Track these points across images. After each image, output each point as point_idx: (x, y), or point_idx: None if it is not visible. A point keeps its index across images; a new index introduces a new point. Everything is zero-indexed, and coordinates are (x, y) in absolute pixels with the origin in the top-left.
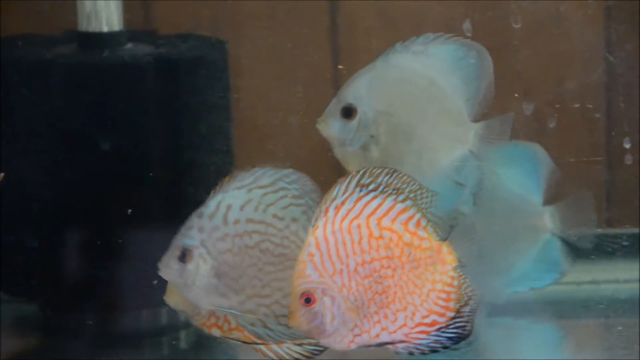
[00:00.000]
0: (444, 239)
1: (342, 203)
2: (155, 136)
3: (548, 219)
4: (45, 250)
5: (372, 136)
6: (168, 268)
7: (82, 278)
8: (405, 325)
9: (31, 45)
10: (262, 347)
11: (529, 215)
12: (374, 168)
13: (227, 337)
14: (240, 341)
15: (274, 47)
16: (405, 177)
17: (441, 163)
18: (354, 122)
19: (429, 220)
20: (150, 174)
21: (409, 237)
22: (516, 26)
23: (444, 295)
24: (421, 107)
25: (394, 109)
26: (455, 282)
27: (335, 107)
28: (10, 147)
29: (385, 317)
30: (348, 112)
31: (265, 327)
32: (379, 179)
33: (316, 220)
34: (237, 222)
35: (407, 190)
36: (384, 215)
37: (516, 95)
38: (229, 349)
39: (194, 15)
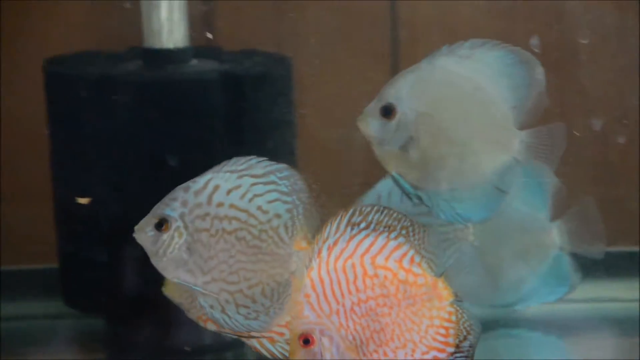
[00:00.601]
0: (439, 275)
1: (335, 243)
2: (221, 152)
3: (556, 235)
4: (113, 264)
5: (411, 137)
6: (143, 233)
7: (149, 292)
8: None
9: (97, 62)
10: (255, 343)
11: (537, 232)
12: (364, 206)
13: (222, 331)
14: (234, 335)
15: (337, 62)
16: (396, 214)
17: (484, 168)
18: (393, 122)
19: (423, 257)
20: None
21: (404, 274)
22: (583, 41)
23: (442, 331)
24: (464, 110)
25: (435, 111)
26: (454, 317)
27: (375, 105)
28: (77, 163)
29: (385, 354)
30: (387, 112)
31: (224, 312)
32: (370, 217)
33: (310, 261)
34: (220, 204)
35: (399, 227)
36: (378, 253)
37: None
38: None
39: (256, 31)
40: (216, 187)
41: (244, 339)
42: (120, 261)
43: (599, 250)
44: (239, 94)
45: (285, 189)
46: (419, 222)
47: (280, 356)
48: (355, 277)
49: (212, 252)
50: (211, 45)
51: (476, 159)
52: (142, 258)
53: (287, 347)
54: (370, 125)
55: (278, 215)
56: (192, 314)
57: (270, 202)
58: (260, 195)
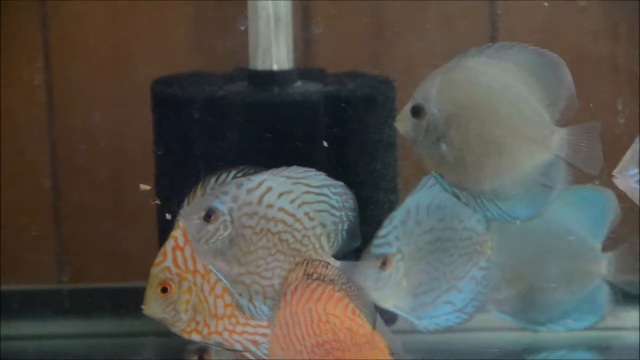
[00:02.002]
0: (373, 328)
1: (295, 289)
2: (324, 173)
3: (604, 266)
4: None
5: (442, 137)
6: (189, 220)
7: None
8: None
9: (203, 83)
10: (238, 346)
11: (587, 260)
12: (314, 260)
13: (206, 342)
14: (219, 346)
15: None
16: (336, 270)
17: (523, 166)
18: (424, 122)
19: (361, 310)
20: None
21: (349, 323)
22: None
23: None
24: (494, 110)
25: (463, 110)
26: None
27: (407, 107)
28: (184, 183)
29: None
30: (417, 112)
31: (251, 301)
32: (319, 270)
33: (279, 302)
34: (270, 206)
35: (340, 282)
36: (327, 301)
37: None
38: None
39: (355, 54)
40: (269, 189)
41: (228, 349)
42: None
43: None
44: (343, 116)
45: (335, 204)
46: (354, 280)
47: (263, 357)
48: (312, 322)
49: (253, 248)
50: (315, 68)
51: (513, 157)
52: None
53: None
54: (404, 126)
55: (323, 225)
56: (176, 328)
57: (318, 211)
58: (310, 203)
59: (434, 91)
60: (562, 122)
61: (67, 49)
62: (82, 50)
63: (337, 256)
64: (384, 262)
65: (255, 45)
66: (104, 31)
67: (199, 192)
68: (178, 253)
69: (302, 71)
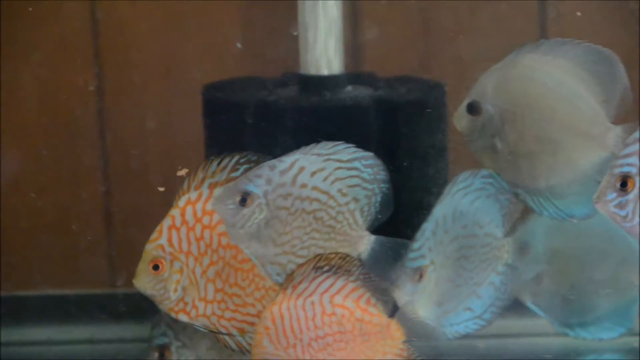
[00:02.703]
0: (391, 316)
1: (300, 282)
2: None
3: None
4: None
5: (497, 134)
6: (224, 205)
7: None
8: None
9: (254, 88)
10: (225, 337)
11: (632, 269)
12: (329, 254)
13: (193, 324)
14: (205, 329)
15: None
16: (355, 261)
17: (579, 163)
18: (479, 119)
19: (378, 299)
20: None
21: (360, 313)
22: None
23: None
24: (549, 106)
25: (519, 107)
26: (405, 354)
27: (464, 103)
28: None
29: None
30: (472, 109)
31: None
32: (333, 262)
33: (276, 296)
34: (303, 185)
35: (356, 272)
36: (336, 293)
37: None
38: None
39: (405, 57)
40: (301, 169)
41: (213, 332)
42: None
43: None
44: (393, 120)
45: (367, 177)
46: (368, 270)
47: (248, 347)
48: (314, 315)
49: (288, 228)
50: (365, 72)
51: (569, 155)
52: None
53: None
54: (461, 123)
55: (356, 200)
56: (164, 306)
57: (350, 186)
58: (342, 179)
59: (489, 88)
60: (616, 119)
61: (118, 55)
62: (133, 56)
63: (371, 228)
64: (420, 275)
65: (306, 50)
66: (154, 37)
67: (199, 174)
68: (174, 232)
69: (353, 76)
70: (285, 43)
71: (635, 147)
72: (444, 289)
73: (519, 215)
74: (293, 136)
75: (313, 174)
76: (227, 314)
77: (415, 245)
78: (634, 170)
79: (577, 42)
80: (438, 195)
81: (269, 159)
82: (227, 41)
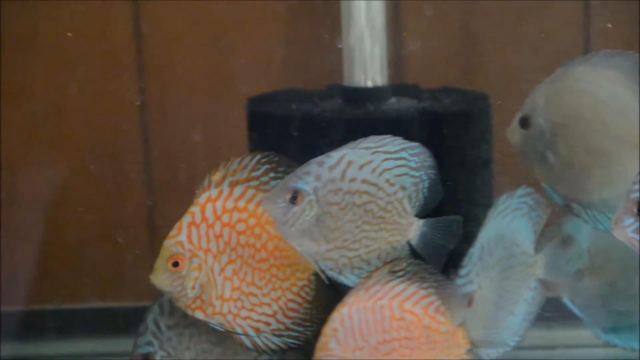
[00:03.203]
0: (459, 324)
1: (373, 285)
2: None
3: None
4: None
5: (550, 147)
6: (274, 204)
7: None
8: None
9: (298, 100)
10: (241, 336)
11: None
12: (403, 260)
13: (208, 321)
14: (220, 327)
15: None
16: (430, 268)
17: (633, 176)
18: (531, 132)
19: (448, 308)
20: None
21: (428, 321)
22: None
23: None
24: (600, 118)
25: (570, 120)
26: None
27: (517, 117)
28: None
29: None
30: (524, 122)
31: (340, 273)
32: (408, 268)
33: (347, 297)
34: (353, 180)
35: (431, 279)
36: (407, 298)
37: None
38: None
39: (446, 70)
40: (349, 163)
41: (228, 330)
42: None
43: None
44: (438, 132)
45: (414, 165)
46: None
47: (263, 347)
48: (383, 318)
49: (339, 224)
50: (409, 84)
51: (622, 167)
52: None
53: (272, 339)
54: (514, 136)
55: (404, 188)
56: (181, 303)
57: (398, 175)
58: (390, 169)
59: (540, 101)
60: None
61: (163, 70)
62: (177, 70)
63: (421, 215)
64: (470, 300)
65: (350, 62)
66: (199, 51)
67: (220, 171)
68: (193, 229)
69: (396, 87)
70: (330, 56)
71: None
72: (489, 311)
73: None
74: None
75: (361, 167)
76: (243, 313)
77: (463, 271)
78: None
79: (627, 54)
80: (484, 207)
81: (292, 161)
82: (272, 54)
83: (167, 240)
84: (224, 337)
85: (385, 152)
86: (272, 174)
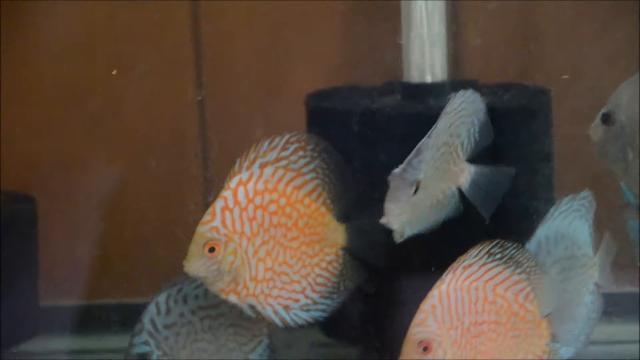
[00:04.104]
0: (545, 315)
1: (470, 265)
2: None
3: None
4: (383, 296)
5: (629, 144)
6: (399, 202)
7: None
8: None
9: (357, 96)
10: (271, 314)
11: None
12: (505, 242)
13: (240, 304)
14: (253, 310)
15: (595, 94)
16: (527, 254)
17: None
18: (612, 129)
19: (536, 296)
20: (477, 220)
21: (517, 308)
22: None
23: None
24: None
25: None
26: (545, 357)
27: (600, 114)
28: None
29: None
30: (606, 119)
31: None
32: (506, 252)
33: (445, 275)
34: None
35: (525, 265)
36: (500, 282)
37: None
38: None
39: (502, 65)
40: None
41: (258, 310)
42: (390, 292)
43: None
44: (498, 127)
45: (465, 112)
46: (542, 268)
47: (292, 324)
48: (477, 300)
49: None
50: (468, 79)
51: None
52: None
53: (300, 314)
54: (596, 133)
55: (458, 136)
56: (215, 288)
57: (458, 125)
58: (455, 122)
59: (624, 99)
60: None
61: (221, 67)
62: (236, 67)
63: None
64: None
65: (409, 58)
66: (258, 47)
67: (251, 154)
68: (227, 213)
69: (456, 83)
70: (389, 51)
71: None
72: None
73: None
74: (397, 144)
75: (442, 133)
76: (275, 292)
77: None
78: None
79: None
80: (544, 201)
81: (320, 140)
82: (331, 49)
83: (201, 226)
84: (218, 335)
85: (457, 111)
86: (301, 153)
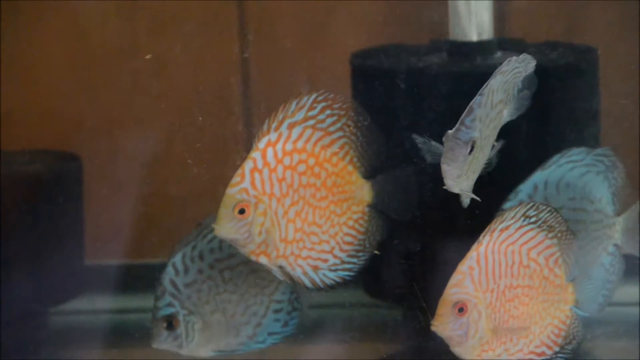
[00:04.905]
0: (571, 280)
1: (507, 227)
2: (526, 144)
3: None
4: (424, 255)
5: None
6: (457, 163)
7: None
8: (521, 351)
9: (402, 55)
10: (301, 275)
11: None
12: (540, 204)
13: (270, 266)
14: (279, 271)
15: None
16: (560, 218)
17: None
18: None
19: (565, 261)
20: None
21: (547, 272)
22: None
23: (556, 331)
24: None
25: None
26: (568, 322)
27: None
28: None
29: (511, 340)
30: None
31: None
32: (541, 215)
33: (483, 237)
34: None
35: (557, 229)
36: (534, 247)
37: None
38: None
39: (548, 23)
40: (493, 92)
41: (288, 271)
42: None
43: None
44: (545, 86)
45: (518, 73)
46: (571, 230)
47: (321, 284)
48: (513, 263)
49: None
50: (515, 38)
51: None
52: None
53: (328, 274)
54: None
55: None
56: (246, 249)
57: (512, 85)
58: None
59: None
60: None
61: (265, 25)
62: (280, 25)
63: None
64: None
65: (455, 16)
66: (301, 5)
67: (279, 114)
68: (256, 175)
69: (502, 41)
70: (435, 10)
71: None
72: None
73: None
74: (444, 103)
75: (497, 91)
76: (304, 253)
77: (506, 205)
78: None
79: None
80: None
81: (347, 97)
82: (376, 7)
83: (230, 188)
84: (240, 284)
85: (508, 71)
86: (328, 112)
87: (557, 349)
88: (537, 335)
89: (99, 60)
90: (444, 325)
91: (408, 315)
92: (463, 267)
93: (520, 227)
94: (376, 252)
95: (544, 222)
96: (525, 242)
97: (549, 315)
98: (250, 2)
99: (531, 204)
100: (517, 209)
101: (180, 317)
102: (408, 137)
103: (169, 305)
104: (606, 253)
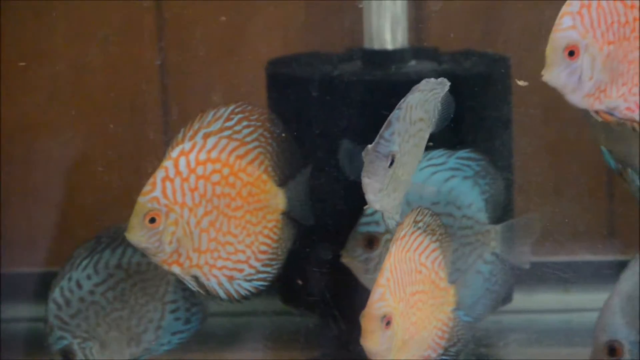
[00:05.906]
0: (452, 282)
1: (404, 235)
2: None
3: None
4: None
5: None
6: (377, 176)
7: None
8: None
9: (317, 63)
10: (215, 286)
11: None
12: (424, 209)
13: (183, 276)
14: (195, 281)
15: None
16: (439, 221)
17: None
18: None
19: (446, 263)
20: None
21: (434, 276)
22: None
23: (440, 333)
24: None
25: None
26: (451, 324)
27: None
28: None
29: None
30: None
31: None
32: (425, 219)
33: (391, 247)
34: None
35: (438, 232)
36: (423, 251)
37: None
38: None
39: (466, 31)
40: (411, 108)
41: (202, 282)
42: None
43: None
44: (458, 95)
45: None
46: (449, 233)
47: (236, 295)
48: (411, 270)
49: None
50: (429, 46)
51: None
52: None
53: (243, 285)
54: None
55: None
56: (158, 259)
57: (431, 104)
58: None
59: None
60: None
61: (182, 31)
62: (197, 31)
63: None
64: (371, 242)
65: (370, 25)
66: (218, 12)
67: (195, 124)
68: (168, 184)
69: (416, 50)
70: (349, 17)
71: None
72: None
73: None
74: (358, 111)
75: (415, 108)
76: (219, 263)
77: (369, 211)
78: None
79: None
80: (503, 168)
81: (264, 109)
82: (291, 16)
83: (142, 196)
84: (127, 299)
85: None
86: (245, 123)
87: (440, 351)
88: (425, 339)
89: (15, 66)
90: (374, 340)
91: (322, 323)
92: (382, 280)
93: (412, 233)
94: (299, 281)
95: (428, 225)
96: (417, 248)
97: (434, 319)
98: (166, 8)
99: (418, 209)
100: (410, 216)
101: (76, 347)
102: (321, 145)
103: (61, 338)
104: (482, 261)
